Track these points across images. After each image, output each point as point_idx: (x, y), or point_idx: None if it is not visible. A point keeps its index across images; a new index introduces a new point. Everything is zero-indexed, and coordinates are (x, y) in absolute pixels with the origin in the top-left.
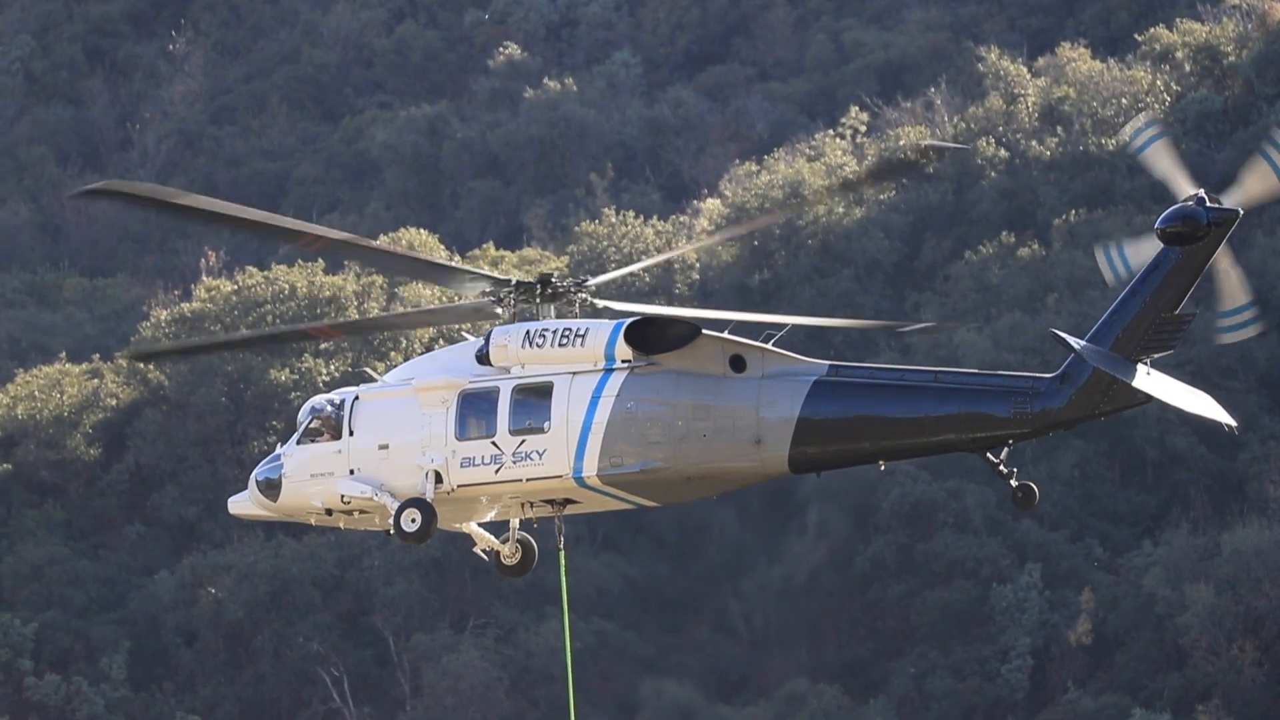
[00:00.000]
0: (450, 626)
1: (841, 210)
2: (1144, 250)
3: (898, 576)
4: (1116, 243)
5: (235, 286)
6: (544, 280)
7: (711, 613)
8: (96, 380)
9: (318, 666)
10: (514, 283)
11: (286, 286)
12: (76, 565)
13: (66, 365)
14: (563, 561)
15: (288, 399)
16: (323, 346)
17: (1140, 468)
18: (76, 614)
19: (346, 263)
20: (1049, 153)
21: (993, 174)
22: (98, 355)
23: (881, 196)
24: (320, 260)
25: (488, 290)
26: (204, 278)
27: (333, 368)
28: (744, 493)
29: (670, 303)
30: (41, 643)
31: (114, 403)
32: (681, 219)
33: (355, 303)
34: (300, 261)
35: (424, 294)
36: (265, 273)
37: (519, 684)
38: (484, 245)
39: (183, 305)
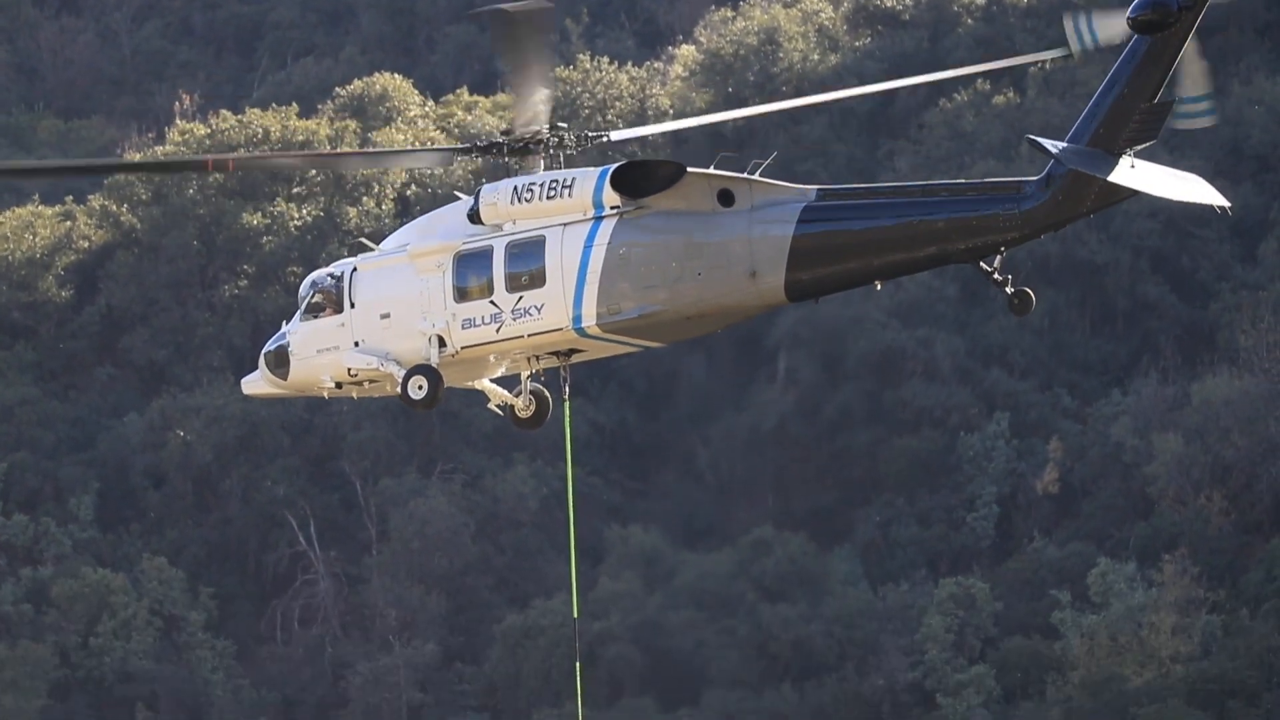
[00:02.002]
0: (417, 471)
1: (816, 58)
2: (1112, 26)
3: (865, 424)
4: (1086, 13)
5: (209, 130)
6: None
7: (679, 460)
8: (69, 223)
9: (285, 510)
10: (500, 144)
11: (260, 130)
12: (46, 406)
13: (39, 207)
14: (568, 412)
15: (259, 243)
16: (295, 190)
17: (1110, 317)
18: (46, 455)
19: (319, 110)
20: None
21: (969, 21)
22: (70, 198)
23: (857, 44)
24: (294, 105)
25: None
26: (178, 121)
27: (305, 212)
28: (712, 340)
29: (644, 150)
30: (10, 483)
31: (86, 245)
32: (656, 65)
33: (329, 147)
34: (274, 105)
35: (396, 138)
36: (239, 116)
37: (486, 529)
38: (458, 90)
39: (156, 148)
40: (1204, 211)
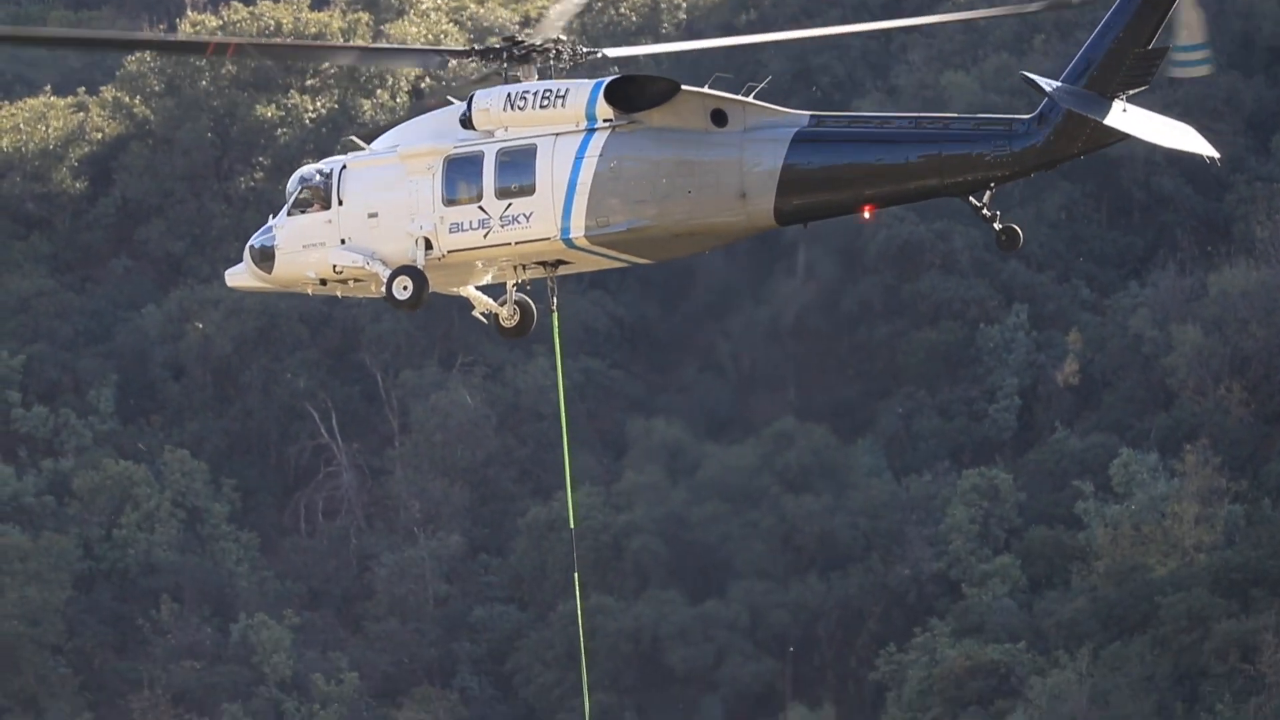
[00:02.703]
0: (438, 364)
1: None
2: None
3: (885, 317)
4: None
5: (220, 22)
6: (526, 46)
7: (699, 352)
8: (82, 114)
9: (306, 402)
10: (497, 49)
11: (272, 22)
12: (63, 298)
13: (51, 99)
14: (555, 324)
15: (274, 135)
16: (308, 83)
17: (1127, 209)
18: (64, 347)
19: (331, 2)
20: None
21: None
22: (83, 89)
23: None
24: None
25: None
26: (189, 12)
27: (319, 104)
28: None
29: (657, 41)
30: (29, 375)
31: (99, 137)
32: None
33: (341, 39)
34: None
35: (409, 31)
36: (250, 8)
37: (507, 421)
38: None
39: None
40: (1218, 106)
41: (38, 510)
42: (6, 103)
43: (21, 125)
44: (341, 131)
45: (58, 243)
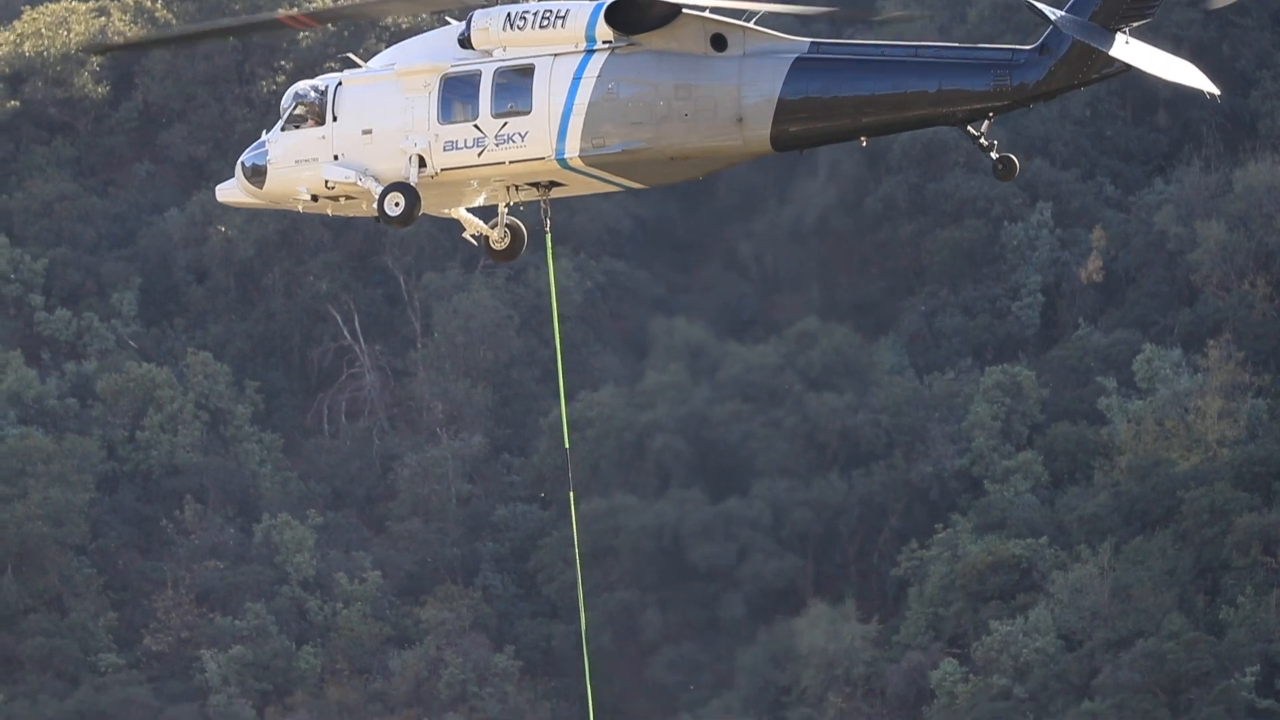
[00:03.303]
0: (461, 266)
1: None
2: None
3: (909, 216)
4: None
5: None
6: None
7: (722, 252)
8: (103, 19)
9: (328, 304)
10: None
11: None
12: (86, 202)
13: (73, 3)
14: (549, 245)
15: (295, 39)
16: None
17: (1152, 105)
18: (87, 250)
19: None
20: None
21: None
22: None
23: None
24: None
25: None
26: None
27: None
28: None
29: None
30: (52, 278)
31: (121, 41)
32: None
33: None
34: None
35: None
36: None
37: (530, 323)
38: None
39: None
40: (1244, 2)
41: (61, 412)
42: (28, 7)
43: (43, 30)
44: (364, 35)
45: (80, 147)
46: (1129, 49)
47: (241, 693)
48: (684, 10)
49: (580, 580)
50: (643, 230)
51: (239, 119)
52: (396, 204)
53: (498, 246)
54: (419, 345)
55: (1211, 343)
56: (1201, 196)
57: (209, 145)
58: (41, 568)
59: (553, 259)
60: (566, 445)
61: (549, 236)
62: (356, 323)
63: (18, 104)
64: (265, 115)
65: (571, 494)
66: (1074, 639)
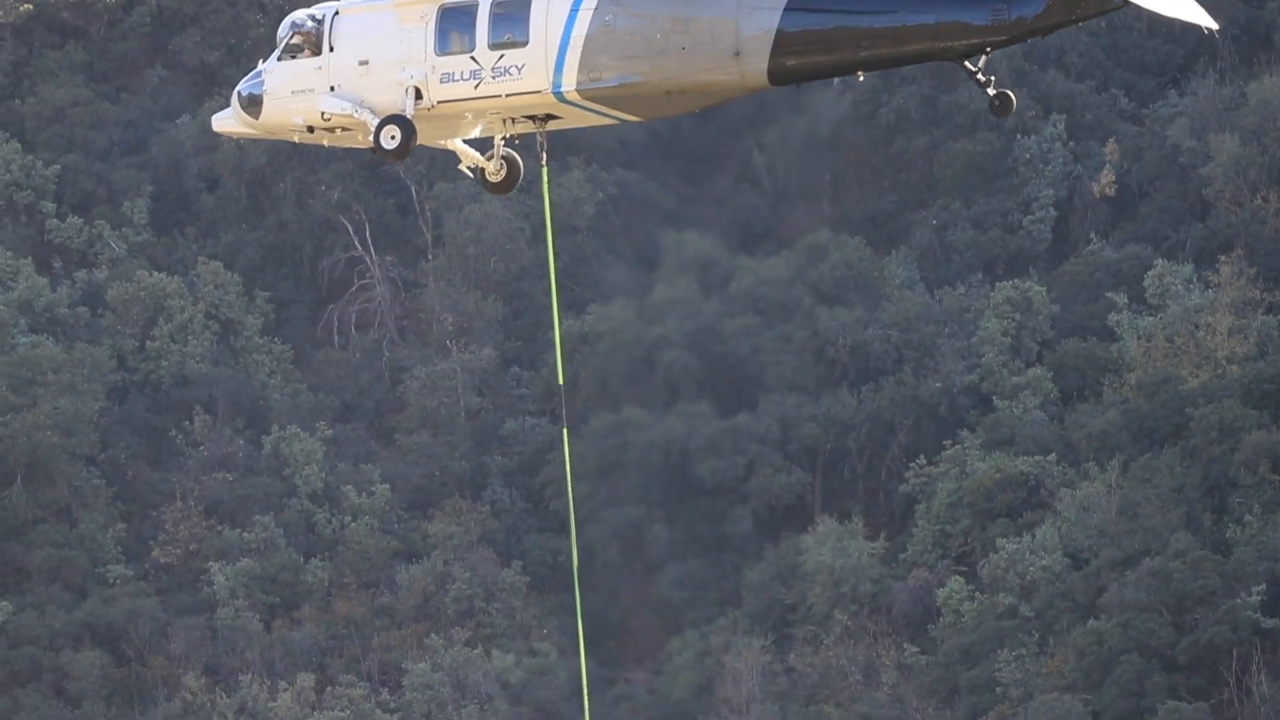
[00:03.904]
0: (472, 176)
1: None
2: None
3: (921, 128)
4: None
5: None
6: None
7: (734, 164)
8: None
9: (339, 215)
10: None
11: None
12: (99, 108)
13: None
14: (545, 178)
15: None
16: None
17: (1166, 17)
18: (98, 157)
19: None
20: None
21: None
22: None
23: None
24: None
25: None
26: None
27: None
28: None
29: None
30: (63, 185)
31: None
32: None
33: None
34: None
35: None
36: None
37: (541, 234)
38: None
39: None
40: None
41: (71, 321)
42: None
43: None
44: None
45: (93, 52)
46: None
47: (249, 605)
48: None
49: (573, 519)
50: (655, 142)
51: (252, 24)
52: (392, 137)
53: (494, 179)
54: (430, 256)
55: (1223, 258)
56: (1215, 110)
57: (222, 51)
58: (50, 478)
59: (548, 191)
60: (560, 381)
61: (545, 170)
62: (367, 233)
63: (30, 7)
64: (279, 21)
65: (565, 430)
66: (1081, 557)
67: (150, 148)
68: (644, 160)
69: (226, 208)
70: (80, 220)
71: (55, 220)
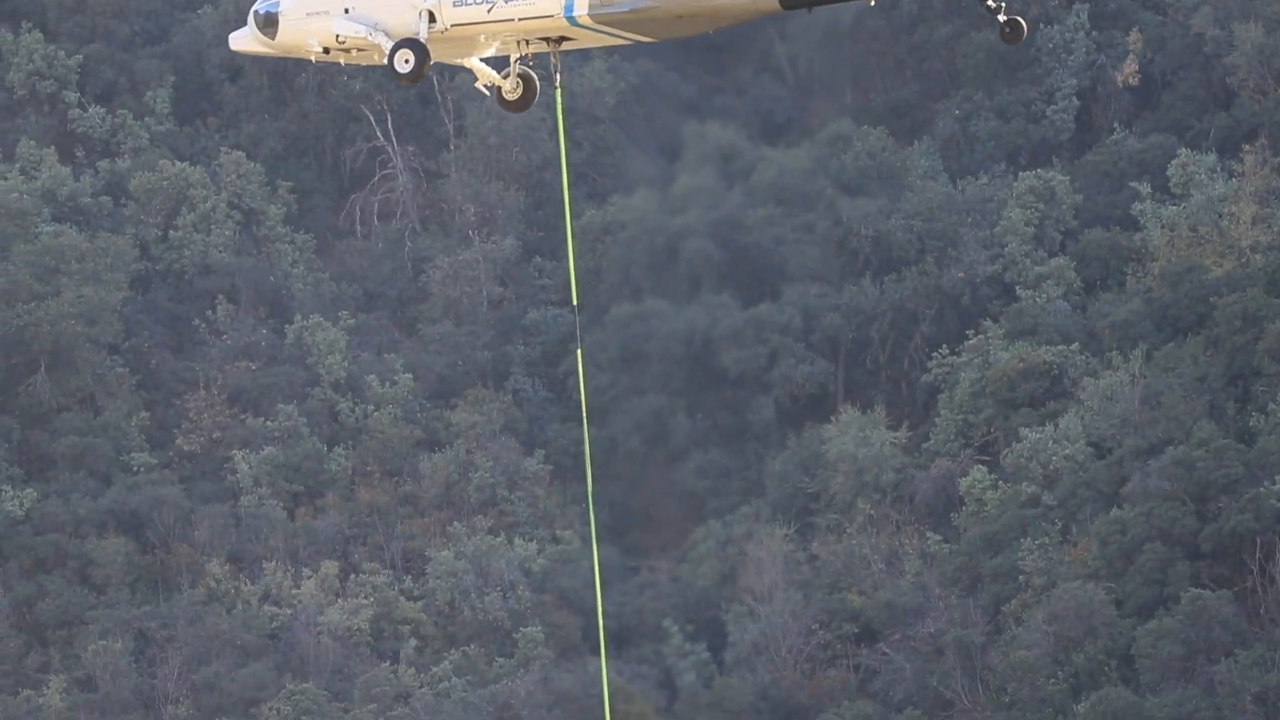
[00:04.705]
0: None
1: None
2: None
3: (944, 18)
4: None
5: None
6: None
7: (756, 54)
8: None
9: (361, 104)
10: None
11: None
12: None
13: None
14: (559, 100)
15: None
16: None
17: None
18: (121, 47)
19: None
20: None
21: None
22: None
23: None
24: None
25: None
26: None
27: None
28: None
29: None
30: (85, 75)
31: None
32: None
33: None
34: None
35: None
36: None
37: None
38: None
39: None
40: None
41: (94, 211)
42: None
43: None
44: None
45: None
46: None
47: (272, 494)
48: None
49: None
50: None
51: None
52: (406, 61)
53: (510, 97)
54: (452, 147)
55: (1247, 148)
56: None
57: None
58: (75, 366)
59: (563, 113)
60: (575, 301)
61: (560, 91)
62: (389, 123)
63: None
64: None
65: (579, 351)
66: (1104, 446)
67: (172, 37)
68: (666, 50)
69: (249, 98)
70: (103, 110)
71: (78, 110)
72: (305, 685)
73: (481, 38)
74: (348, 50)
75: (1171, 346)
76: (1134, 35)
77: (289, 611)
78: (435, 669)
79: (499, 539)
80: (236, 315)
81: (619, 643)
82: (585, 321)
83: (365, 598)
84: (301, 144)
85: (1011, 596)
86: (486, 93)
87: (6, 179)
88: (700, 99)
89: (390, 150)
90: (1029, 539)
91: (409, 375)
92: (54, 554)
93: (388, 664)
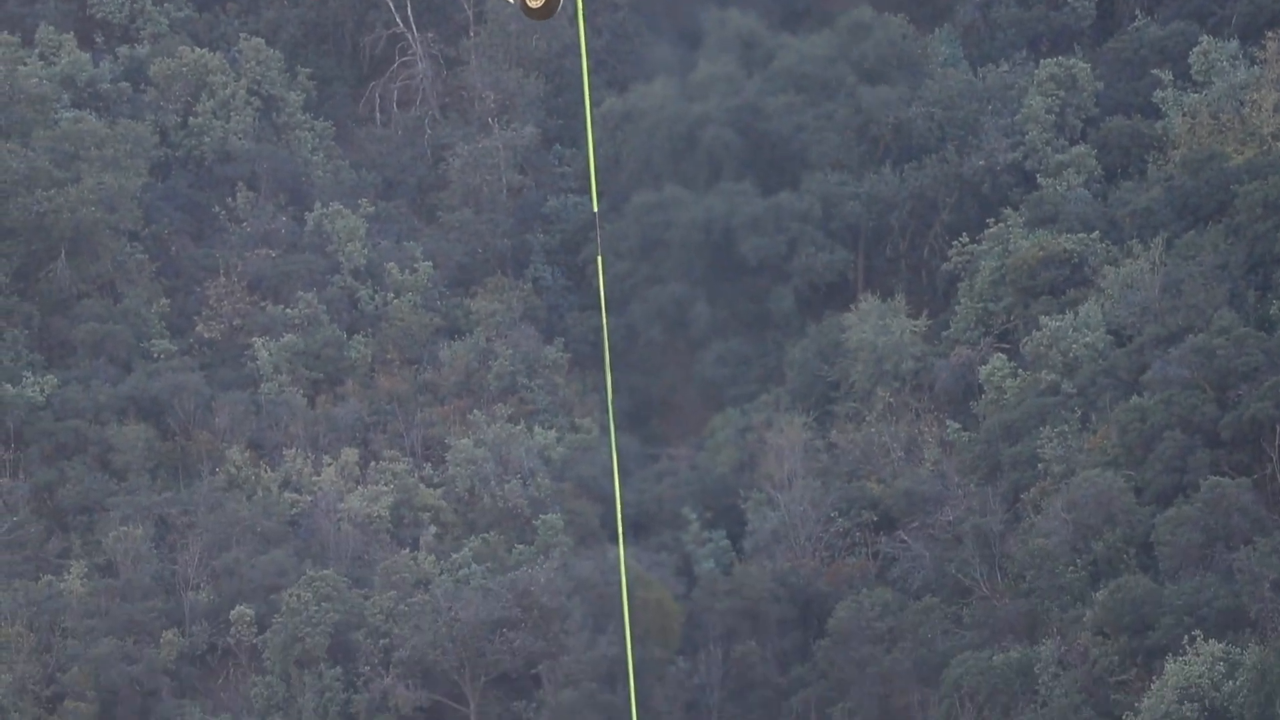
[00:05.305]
0: None
1: None
2: None
3: None
4: None
5: None
6: None
7: None
8: None
9: None
10: None
11: None
12: None
13: None
14: (580, 5)
15: None
16: None
17: None
18: None
19: None
20: None
21: None
22: None
23: None
24: None
25: None
26: None
27: None
28: None
29: None
30: None
31: None
32: None
33: None
34: None
35: None
36: None
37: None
38: None
39: None
40: None
41: (114, 96)
42: None
43: None
44: None
45: None
46: None
47: (292, 381)
48: None
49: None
50: None
51: None
52: None
53: (534, 4)
54: (471, 33)
55: (1269, 34)
56: None
57: None
58: (94, 253)
59: (584, 19)
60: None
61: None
62: (409, 9)
63: None
64: None
65: (599, 258)
66: (1124, 334)
67: None
68: None
69: None
70: None
71: None
72: (325, 571)
73: None
74: None
75: (1192, 234)
76: None
77: (309, 498)
78: (455, 556)
79: (518, 427)
80: (256, 202)
81: (638, 530)
82: (604, 209)
83: (385, 485)
84: (321, 30)
85: (1030, 484)
86: (510, 1)
87: (26, 64)
88: None
89: (410, 37)
90: (1048, 427)
91: (428, 263)
92: (74, 440)
93: (407, 551)
